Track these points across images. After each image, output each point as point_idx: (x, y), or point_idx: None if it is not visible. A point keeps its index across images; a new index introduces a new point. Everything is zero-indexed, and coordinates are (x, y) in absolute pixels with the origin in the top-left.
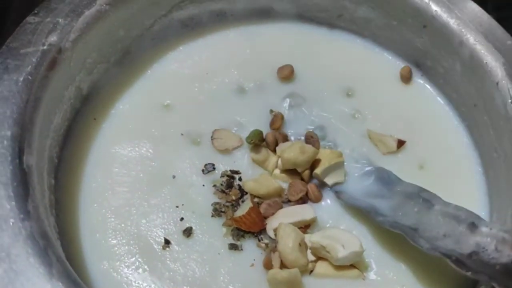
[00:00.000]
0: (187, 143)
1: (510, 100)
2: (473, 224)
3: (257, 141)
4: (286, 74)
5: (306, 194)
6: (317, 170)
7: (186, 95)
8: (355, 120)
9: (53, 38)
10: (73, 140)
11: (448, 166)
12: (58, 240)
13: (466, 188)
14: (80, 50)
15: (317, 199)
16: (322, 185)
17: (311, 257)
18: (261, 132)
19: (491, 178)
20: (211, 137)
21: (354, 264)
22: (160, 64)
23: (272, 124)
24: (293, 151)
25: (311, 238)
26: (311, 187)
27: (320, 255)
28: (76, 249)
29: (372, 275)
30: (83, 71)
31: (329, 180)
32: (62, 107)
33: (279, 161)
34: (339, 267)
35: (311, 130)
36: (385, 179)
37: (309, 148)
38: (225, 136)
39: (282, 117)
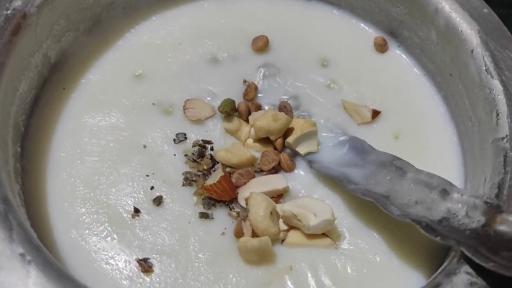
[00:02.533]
0: (158, 112)
1: (484, 68)
2: (445, 190)
3: (229, 110)
4: (261, 45)
5: (279, 163)
6: (289, 139)
7: (158, 65)
8: (330, 90)
9: (17, 3)
10: (41, 108)
11: (423, 136)
12: (23, 207)
13: (442, 158)
14: (46, 16)
15: (290, 169)
16: (295, 154)
17: (283, 227)
18: (233, 101)
19: (466, 148)
20: (183, 106)
21: (327, 233)
22: (131, 34)
23: (245, 95)
24: (265, 118)
25: (283, 207)
26: (284, 156)
27: (292, 224)
28: (43, 218)
29: (344, 244)
30: (50, 38)
31: (302, 149)
32: (29, 75)
33: (252, 131)
34: (311, 236)
35: (285, 100)
36: (359, 148)
37: (282, 115)
38: (197, 105)
39: (256, 88)
